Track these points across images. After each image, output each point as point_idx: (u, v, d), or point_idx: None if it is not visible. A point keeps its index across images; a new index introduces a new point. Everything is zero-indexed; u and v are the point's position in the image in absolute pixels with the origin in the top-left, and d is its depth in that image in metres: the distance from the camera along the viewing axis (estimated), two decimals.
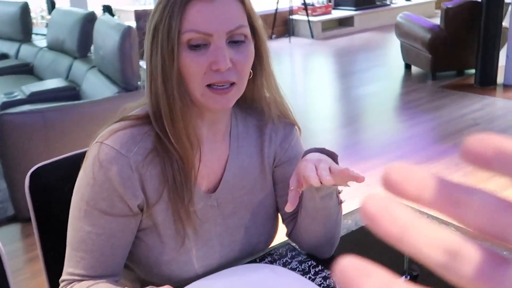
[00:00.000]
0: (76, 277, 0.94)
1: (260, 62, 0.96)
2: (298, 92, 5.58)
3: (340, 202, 1.02)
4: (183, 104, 0.90)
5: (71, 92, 3.51)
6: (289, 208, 0.87)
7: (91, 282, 0.93)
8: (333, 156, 0.93)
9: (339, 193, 1.00)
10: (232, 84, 0.89)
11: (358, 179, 0.84)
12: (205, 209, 0.99)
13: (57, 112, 2.76)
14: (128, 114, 0.96)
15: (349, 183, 0.89)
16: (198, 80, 0.88)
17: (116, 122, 0.95)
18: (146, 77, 0.92)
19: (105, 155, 0.90)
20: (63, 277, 0.96)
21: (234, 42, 0.89)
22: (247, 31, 0.90)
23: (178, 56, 0.87)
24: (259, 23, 0.94)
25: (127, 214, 0.93)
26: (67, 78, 3.85)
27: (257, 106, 1.03)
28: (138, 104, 0.98)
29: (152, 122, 0.93)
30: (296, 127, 1.09)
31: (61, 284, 0.96)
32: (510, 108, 4.44)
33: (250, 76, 0.94)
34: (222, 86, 0.88)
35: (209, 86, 0.88)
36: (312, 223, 1.02)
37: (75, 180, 0.96)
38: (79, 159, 0.97)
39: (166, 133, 0.91)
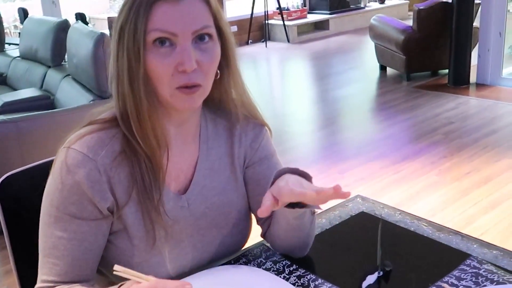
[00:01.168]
0: (50, 284, 0.93)
1: (227, 63, 0.96)
2: (275, 96, 5.61)
3: (313, 213, 1.02)
4: (150, 104, 0.90)
5: (46, 101, 3.47)
6: (262, 214, 0.86)
7: (65, 287, 0.92)
8: (307, 177, 0.92)
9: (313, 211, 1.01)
10: (198, 86, 0.90)
11: (345, 195, 0.82)
12: (175, 209, 0.98)
13: (30, 122, 2.72)
14: (95, 118, 0.96)
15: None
16: (167, 81, 0.88)
17: (83, 126, 0.95)
18: (113, 78, 0.92)
19: (72, 159, 0.90)
20: (37, 285, 0.95)
21: (200, 43, 0.89)
22: (213, 31, 0.91)
23: (144, 57, 0.87)
24: (225, 24, 0.94)
25: (97, 218, 0.92)
26: (41, 87, 3.81)
27: (226, 107, 1.03)
28: (106, 108, 0.98)
29: (119, 125, 0.93)
30: (266, 127, 1.10)
31: None
32: (483, 106, 4.52)
33: (217, 76, 0.95)
34: (189, 88, 0.89)
35: (178, 88, 0.89)
36: (285, 235, 1.03)
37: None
38: (50, 167, 0.96)
39: (133, 134, 0.91)
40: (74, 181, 0.90)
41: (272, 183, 0.90)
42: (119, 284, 0.82)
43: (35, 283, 0.96)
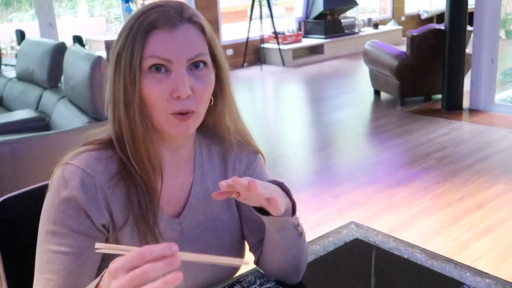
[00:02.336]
0: None
1: (221, 90, 0.98)
2: (270, 119, 5.63)
3: (301, 233, 1.03)
4: (145, 129, 0.92)
5: (41, 123, 3.48)
6: (215, 196, 0.87)
7: None
8: (288, 193, 0.96)
9: (297, 225, 1.01)
10: (192, 113, 0.91)
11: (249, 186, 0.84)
12: (169, 232, 0.99)
13: (25, 143, 2.72)
14: (91, 139, 0.98)
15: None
16: (161, 107, 0.90)
17: (80, 147, 0.96)
18: (109, 103, 0.94)
19: (70, 173, 0.91)
20: None
21: (194, 70, 0.91)
22: (207, 58, 0.93)
23: (140, 83, 0.89)
24: (220, 52, 0.96)
25: (93, 234, 0.93)
26: (37, 108, 3.81)
27: (220, 134, 1.05)
28: (101, 130, 0.99)
29: (115, 147, 0.94)
30: (260, 155, 1.11)
31: None
32: (476, 131, 4.56)
33: (211, 103, 0.97)
34: (183, 114, 0.90)
35: (171, 115, 0.90)
36: (273, 253, 1.03)
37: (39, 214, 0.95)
38: (46, 190, 0.97)
39: (128, 157, 0.93)
40: (71, 194, 0.91)
41: None
42: (104, 271, 0.80)
43: None
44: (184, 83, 0.88)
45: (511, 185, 3.41)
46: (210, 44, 0.94)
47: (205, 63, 0.92)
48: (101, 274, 0.76)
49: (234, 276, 1.10)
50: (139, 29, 0.89)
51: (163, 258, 0.68)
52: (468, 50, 5.15)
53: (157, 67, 0.89)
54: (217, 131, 1.05)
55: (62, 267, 0.92)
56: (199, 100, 0.91)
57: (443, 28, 5.08)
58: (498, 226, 2.89)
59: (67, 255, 0.92)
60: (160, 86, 0.89)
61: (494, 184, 3.44)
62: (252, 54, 8.08)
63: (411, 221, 3.02)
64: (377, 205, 3.23)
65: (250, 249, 1.11)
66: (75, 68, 3.11)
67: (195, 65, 0.91)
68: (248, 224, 1.08)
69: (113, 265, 0.68)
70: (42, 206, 0.96)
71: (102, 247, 0.72)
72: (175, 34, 0.89)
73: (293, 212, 0.98)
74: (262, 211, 0.94)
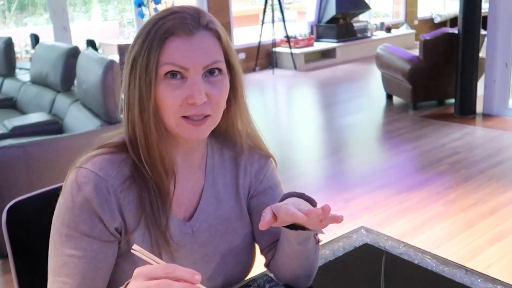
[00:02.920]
0: None
1: (234, 95, 0.99)
2: (281, 123, 5.63)
3: (318, 242, 1.03)
4: (158, 133, 0.93)
5: (54, 126, 3.51)
6: (262, 227, 0.87)
7: None
8: (312, 202, 0.95)
9: (317, 234, 1.01)
10: (207, 116, 0.92)
11: (337, 219, 0.86)
12: (180, 235, 1.00)
13: (38, 146, 2.75)
14: (105, 142, 0.99)
15: (324, 229, 0.91)
16: (174, 111, 0.91)
17: (93, 150, 0.97)
18: (123, 107, 0.95)
19: (83, 177, 0.92)
20: None
21: (210, 76, 0.92)
22: (223, 66, 0.93)
23: (155, 89, 0.90)
24: (235, 58, 0.97)
25: (106, 238, 0.94)
26: (50, 112, 3.85)
27: (231, 138, 1.06)
28: (115, 133, 1.01)
29: (128, 150, 0.95)
30: (271, 159, 1.11)
31: None
32: (489, 136, 4.52)
33: (224, 108, 0.97)
34: (198, 118, 0.91)
35: (184, 117, 0.91)
36: (290, 262, 1.03)
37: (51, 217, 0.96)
38: (57, 193, 0.98)
39: (141, 160, 0.94)
40: (84, 199, 0.91)
41: None
42: (126, 283, 0.82)
43: None
44: (199, 90, 0.89)
45: None
46: (225, 50, 0.94)
47: (220, 70, 0.93)
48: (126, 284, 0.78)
49: (245, 280, 1.10)
50: (156, 36, 0.89)
51: (183, 280, 0.69)
52: (482, 54, 5.11)
53: (173, 74, 0.89)
54: (229, 136, 1.06)
55: (77, 271, 0.93)
56: (214, 105, 0.92)
57: (456, 32, 5.05)
58: (511, 233, 2.86)
59: (81, 259, 0.92)
60: (175, 92, 0.89)
61: (507, 190, 3.40)
62: (264, 58, 8.09)
63: (422, 227, 2.99)
64: (389, 210, 3.22)
65: (261, 252, 1.11)
66: (88, 71, 3.14)
67: (210, 72, 0.91)
68: (259, 228, 1.08)
69: (138, 269, 0.71)
70: (54, 209, 0.97)
71: (137, 250, 0.75)
72: (191, 41, 0.89)
73: None
74: (291, 226, 0.93)
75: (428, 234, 2.92)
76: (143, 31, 0.92)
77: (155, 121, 0.91)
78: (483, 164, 3.88)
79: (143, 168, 0.94)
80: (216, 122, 0.95)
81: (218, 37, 0.93)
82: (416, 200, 3.34)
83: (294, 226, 0.94)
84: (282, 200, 0.95)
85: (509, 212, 3.11)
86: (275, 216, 0.88)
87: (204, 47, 0.90)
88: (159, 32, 0.89)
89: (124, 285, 0.77)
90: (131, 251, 0.75)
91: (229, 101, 0.98)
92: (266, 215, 0.88)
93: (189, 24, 0.90)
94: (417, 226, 3.01)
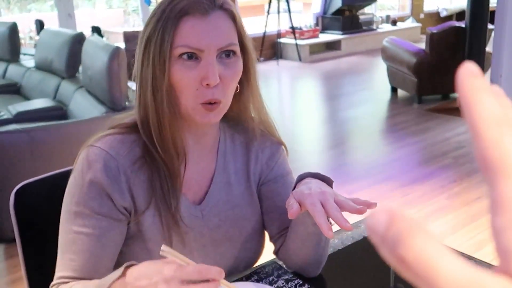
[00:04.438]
0: (66, 280, 0.94)
1: (247, 78, 0.98)
2: (285, 114, 5.62)
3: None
4: (171, 115, 0.92)
5: (58, 112, 3.50)
6: (292, 216, 0.88)
7: (80, 282, 0.92)
8: (328, 181, 0.95)
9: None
10: (219, 102, 0.91)
11: (371, 205, 0.88)
12: (190, 218, 1.00)
13: (43, 132, 2.74)
14: (116, 123, 0.98)
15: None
16: (191, 95, 0.90)
17: (105, 130, 0.97)
18: (136, 87, 0.94)
19: (94, 155, 0.92)
20: (53, 282, 0.96)
21: (224, 58, 0.91)
22: (237, 48, 0.93)
23: (169, 69, 0.89)
24: (248, 40, 0.96)
25: (115, 216, 0.94)
26: (54, 98, 3.84)
27: (244, 123, 1.05)
28: (127, 115, 1.00)
29: (139, 131, 0.95)
30: (283, 146, 1.11)
31: None
32: None
33: (237, 91, 0.96)
34: (211, 103, 0.90)
35: (203, 103, 0.90)
36: (302, 247, 1.02)
37: (61, 198, 0.96)
38: (64, 177, 0.97)
39: (153, 141, 0.93)
40: (94, 176, 0.91)
41: (294, 186, 0.94)
42: (125, 266, 0.83)
43: None
44: (214, 71, 0.88)
45: None
46: (239, 32, 0.94)
47: (234, 52, 0.92)
48: (123, 268, 0.78)
49: (253, 267, 1.09)
50: (171, 15, 0.88)
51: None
52: (489, 48, 5.08)
53: (188, 55, 0.88)
54: (241, 120, 1.05)
55: (85, 248, 0.93)
56: (226, 88, 0.91)
57: (463, 26, 5.02)
58: None
59: (89, 236, 0.93)
60: (190, 73, 0.89)
61: None
62: (268, 48, 8.06)
63: (426, 220, 2.99)
64: (392, 203, 3.21)
65: (271, 239, 1.11)
66: (94, 58, 3.13)
67: (225, 53, 0.91)
68: (269, 214, 1.07)
69: (169, 272, 0.74)
70: (59, 192, 0.97)
71: (167, 251, 0.77)
72: (206, 21, 0.88)
73: None
74: None
75: (432, 227, 2.91)
76: (157, 10, 0.91)
77: (168, 102, 0.91)
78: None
79: (154, 149, 0.94)
80: (226, 107, 0.95)
81: (233, 18, 0.92)
82: (419, 193, 3.33)
83: None
84: (297, 182, 0.96)
85: None
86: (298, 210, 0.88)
87: (219, 28, 0.89)
88: (174, 11, 0.88)
89: (119, 272, 0.80)
90: (160, 253, 0.77)
91: (241, 85, 0.98)
92: (293, 205, 0.88)
93: (205, 4, 0.89)
94: (421, 219, 3.00)
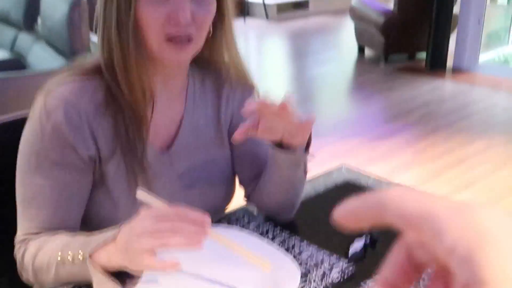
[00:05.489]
0: (32, 236, 0.89)
1: (221, 21, 0.92)
2: (252, 72, 5.55)
3: (306, 172, 1.00)
4: (138, 55, 0.86)
5: (16, 64, 3.35)
6: (235, 139, 0.87)
7: (48, 234, 0.87)
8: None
9: (305, 163, 0.98)
10: (190, 40, 0.85)
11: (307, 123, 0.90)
12: (158, 165, 0.95)
13: (1, 83, 2.62)
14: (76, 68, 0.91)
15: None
16: (156, 31, 0.84)
17: (63, 73, 0.89)
18: (99, 25, 0.87)
19: (53, 104, 0.86)
20: (17, 239, 0.90)
21: None
22: None
23: (135, 4, 0.82)
24: None
25: (79, 166, 0.88)
26: (12, 49, 3.67)
27: (215, 67, 1.00)
28: (87, 60, 0.93)
29: (102, 75, 0.88)
30: (255, 89, 1.06)
31: (16, 247, 0.90)
32: (458, 90, 4.56)
33: (209, 34, 0.90)
34: (181, 40, 0.84)
35: (168, 40, 0.84)
36: (275, 191, 1.00)
37: (16, 147, 0.90)
38: (22, 122, 0.91)
39: (118, 84, 0.87)
40: (54, 125, 0.85)
41: None
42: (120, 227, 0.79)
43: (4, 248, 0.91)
44: (184, 8, 0.82)
45: (492, 142, 3.43)
46: None
47: None
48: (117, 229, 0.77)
49: (223, 214, 1.06)
50: None
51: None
52: (456, 9, 5.09)
53: None
54: (213, 64, 0.99)
55: (49, 202, 0.88)
56: (199, 26, 0.86)
57: None
58: (478, 181, 2.92)
59: (53, 189, 0.87)
60: (158, 8, 0.82)
61: (475, 141, 3.46)
62: (235, 6, 7.89)
63: (392, 174, 3.02)
64: (359, 158, 3.23)
65: (241, 183, 1.08)
66: (53, 8, 2.98)
67: None
68: (240, 159, 1.04)
69: (145, 210, 0.72)
70: (14, 139, 0.90)
71: (143, 195, 0.75)
72: None
73: (306, 148, 0.95)
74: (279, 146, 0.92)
75: (398, 181, 2.93)
76: None
77: (134, 41, 0.84)
78: (452, 116, 3.92)
79: (119, 91, 0.88)
80: (199, 46, 0.89)
81: None
82: (385, 148, 3.36)
83: (281, 146, 0.93)
84: None
85: (476, 162, 3.16)
86: (255, 126, 0.87)
87: None
88: None
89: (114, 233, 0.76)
90: (136, 196, 0.75)
91: (214, 28, 0.92)
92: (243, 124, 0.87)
93: None
94: (386, 173, 3.03)
